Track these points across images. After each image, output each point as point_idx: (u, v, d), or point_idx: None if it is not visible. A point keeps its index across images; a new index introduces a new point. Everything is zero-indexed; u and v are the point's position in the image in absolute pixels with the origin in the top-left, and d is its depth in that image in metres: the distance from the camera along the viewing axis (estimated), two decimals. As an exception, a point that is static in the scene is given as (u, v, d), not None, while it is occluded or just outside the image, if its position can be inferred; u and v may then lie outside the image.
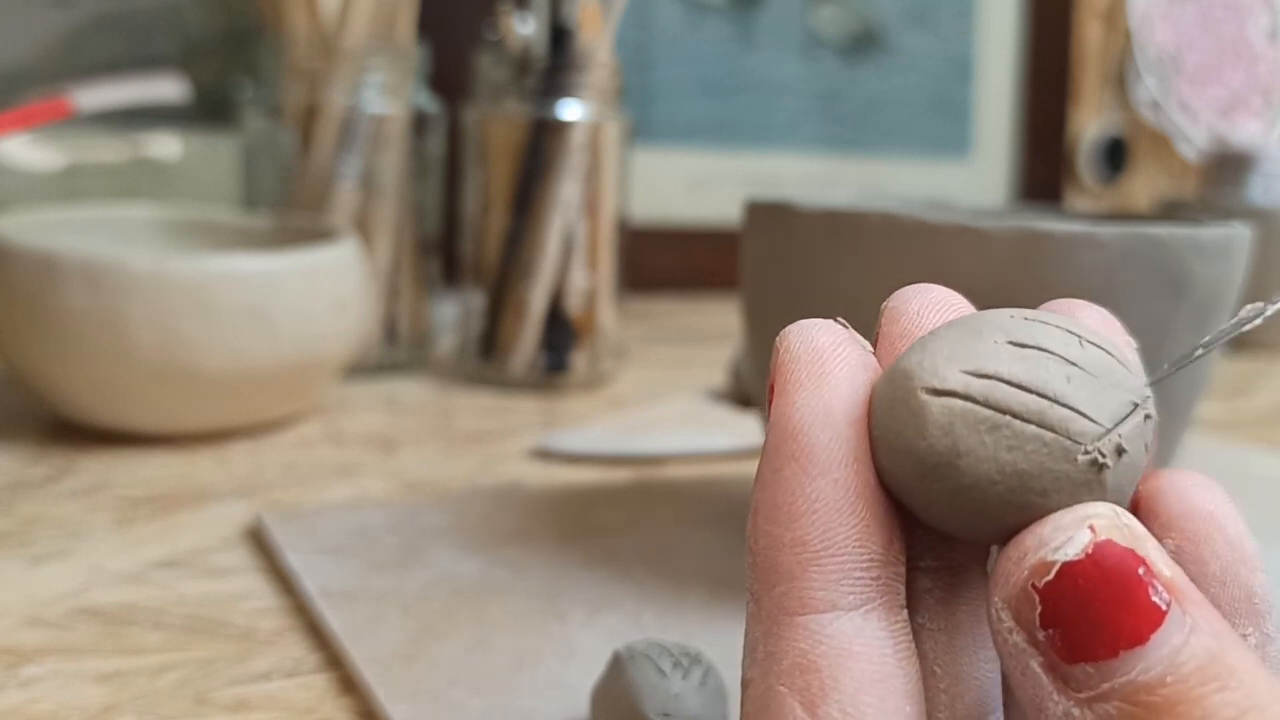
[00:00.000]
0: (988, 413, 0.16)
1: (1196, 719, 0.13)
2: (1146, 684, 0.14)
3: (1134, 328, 0.30)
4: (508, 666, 0.29)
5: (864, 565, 0.16)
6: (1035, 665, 0.14)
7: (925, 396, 0.16)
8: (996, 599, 0.15)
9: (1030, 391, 0.16)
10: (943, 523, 0.16)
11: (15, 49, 0.75)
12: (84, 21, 0.76)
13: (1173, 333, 0.30)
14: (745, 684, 0.16)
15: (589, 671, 0.28)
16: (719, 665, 0.29)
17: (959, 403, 0.16)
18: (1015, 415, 0.15)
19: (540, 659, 0.29)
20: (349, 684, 0.29)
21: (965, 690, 0.17)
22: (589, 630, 0.31)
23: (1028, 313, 0.17)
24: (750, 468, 0.48)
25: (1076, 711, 0.14)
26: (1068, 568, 0.14)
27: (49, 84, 0.75)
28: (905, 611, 0.16)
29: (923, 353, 0.16)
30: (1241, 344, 0.81)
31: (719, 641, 0.30)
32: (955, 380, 0.16)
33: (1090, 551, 0.14)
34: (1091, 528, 0.14)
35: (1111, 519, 0.15)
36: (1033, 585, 0.14)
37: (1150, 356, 0.30)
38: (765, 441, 0.17)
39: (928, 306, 0.18)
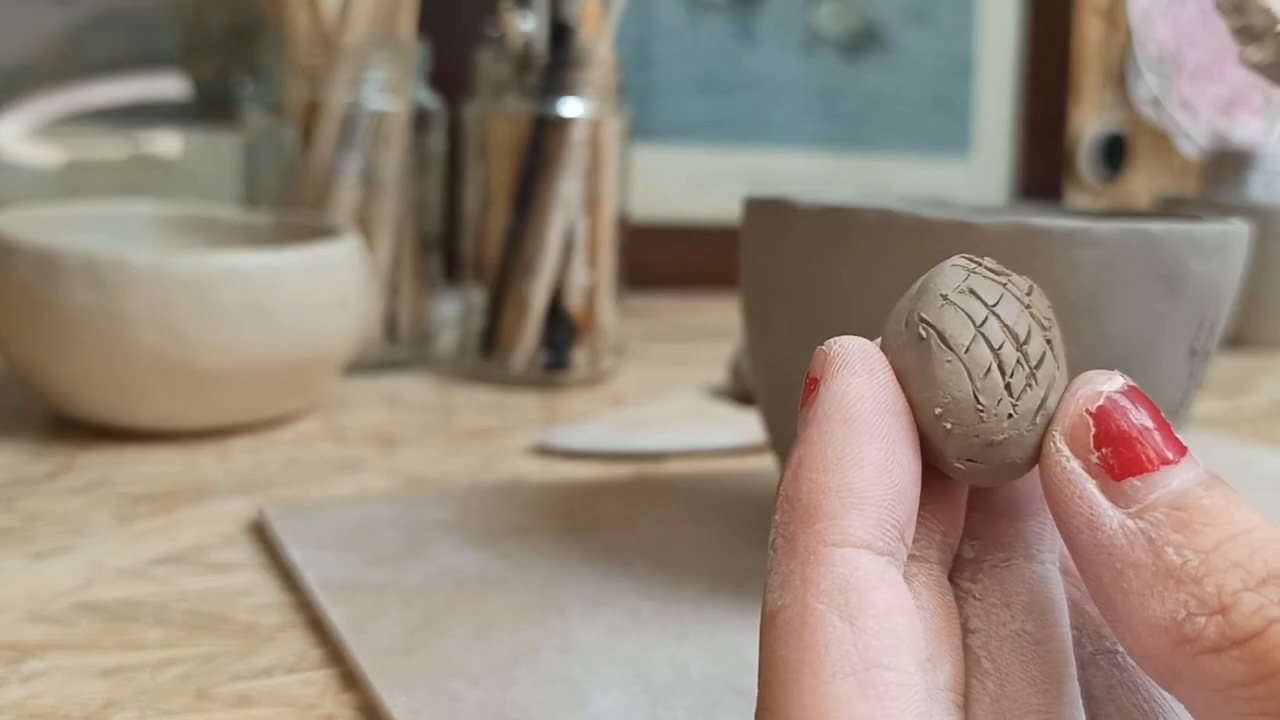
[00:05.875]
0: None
1: (1226, 522, 0.16)
2: (1184, 492, 0.17)
3: (1130, 324, 0.30)
4: (506, 660, 0.29)
5: (898, 522, 0.18)
6: (1090, 488, 0.17)
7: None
8: (1055, 433, 0.18)
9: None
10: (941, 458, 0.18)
11: (16, 46, 0.75)
12: (85, 18, 0.76)
13: (1168, 330, 0.30)
14: (775, 612, 0.17)
15: (587, 665, 0.29)
16: (718, 659, 0.29)
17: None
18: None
19: (539, 652, 0.29)
20: (351, 679, 0.29)
21: (1002, 654, 0.18)
22: (587, 624, 0.31)
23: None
24: (750, 464, 0.48)
25: (1130, 523, 0.17)
26: (1112, 397, 0.18)
27: (50, 81, 0.75)
28: (939, 569, 0.19)
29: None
30: (1241, 341, 0.81)
31: (718, 637, 0.31)
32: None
33: (1127, 388, 0.18)
34: (1121, 377, 0.18)
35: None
36: (1087, 411, 0.18)
37: (1146, 353, 0.30)
38: (814, 409, 0.18)
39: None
